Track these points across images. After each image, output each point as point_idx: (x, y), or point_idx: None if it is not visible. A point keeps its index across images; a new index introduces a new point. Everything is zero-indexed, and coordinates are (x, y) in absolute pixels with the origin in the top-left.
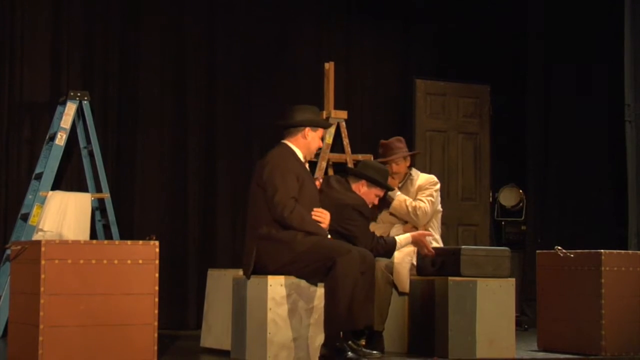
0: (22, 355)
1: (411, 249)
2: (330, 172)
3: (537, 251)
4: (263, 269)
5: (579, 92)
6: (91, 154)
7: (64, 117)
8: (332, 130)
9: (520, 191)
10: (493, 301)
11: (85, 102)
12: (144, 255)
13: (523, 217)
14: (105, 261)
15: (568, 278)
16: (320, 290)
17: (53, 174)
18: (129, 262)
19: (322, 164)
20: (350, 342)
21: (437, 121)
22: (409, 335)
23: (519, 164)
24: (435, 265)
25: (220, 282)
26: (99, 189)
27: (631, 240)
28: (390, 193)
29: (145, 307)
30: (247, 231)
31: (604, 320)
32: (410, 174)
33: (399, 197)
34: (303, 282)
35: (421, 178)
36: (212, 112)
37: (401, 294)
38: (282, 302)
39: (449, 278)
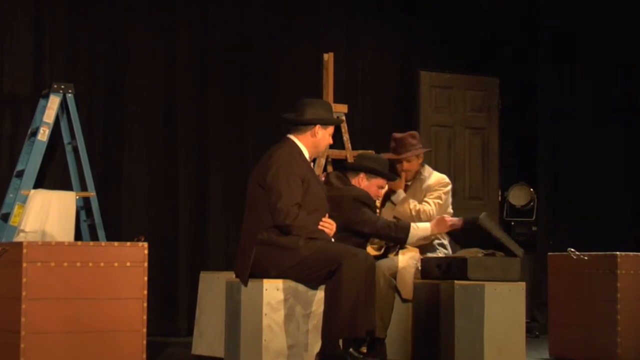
0: None
1: (416, 254)
2: (330, 169)
3: (549, 253)
4: (264, 275)
5: (594, 86)
6: (76, 150)
7: (46, 111)
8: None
9: (531, 190)
10: (502, 306)
11: (70, 95)
12: (132, 258)
13: (534, 217)
14: (90, 264)
15: (581, 282)
16: (319, 295)
17: (35, 171)
18: (116, 264)
19: (321, 161)
20: (351, 350)
21: (443, 115)
22: (413, 343)
23: (529, 161)
24: (440, 268)
25: (213, 286)
26: (84, 188)
27: None
28: (393, 197)
29: (134, 313)
30: (244, 234)
31: (620, 327)
32: (421, 172)
33: (404, 201)
34: (301, 286)
35: (432, 177)
36: (204, 107)
37: (404, 300)
38: (279, 307)
39: (455, 282)
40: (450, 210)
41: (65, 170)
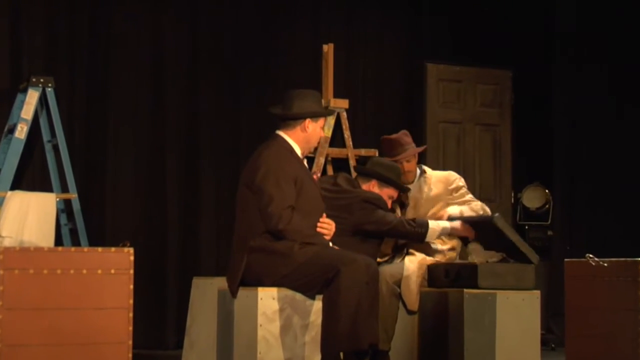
0: None
1: (423, 260)
2: (329, 168)
3: (566, 259)
4: (257, 284)
5: (615, 80)
6: (56, 149)
7: (24, 107)
8: (331, 121)
9: (547, 191)
10: (515, 317)
11: (49, 89)
12: (116, 264)
13: (549, 221)
14: (72, 271)
15: (601, 290)
16: (318, 304)
17: (13, 171)
18: (99, 272)
19: (320, 160)
20: None
21: (451, 111)
22: (419, 356)
23: (544, 160)
24: (449, 276)
25: (206, 292)
26: (65, 189)
27: None
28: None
29: (118, 324)
30: (235, 241)
31: None
32: (424, 171)
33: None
34: (298, 295)
35: (437, 175)
36: (194, 102)
37: (410, 312)
38: (274, 318)
39: (465, 290)
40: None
41: (45, 170)
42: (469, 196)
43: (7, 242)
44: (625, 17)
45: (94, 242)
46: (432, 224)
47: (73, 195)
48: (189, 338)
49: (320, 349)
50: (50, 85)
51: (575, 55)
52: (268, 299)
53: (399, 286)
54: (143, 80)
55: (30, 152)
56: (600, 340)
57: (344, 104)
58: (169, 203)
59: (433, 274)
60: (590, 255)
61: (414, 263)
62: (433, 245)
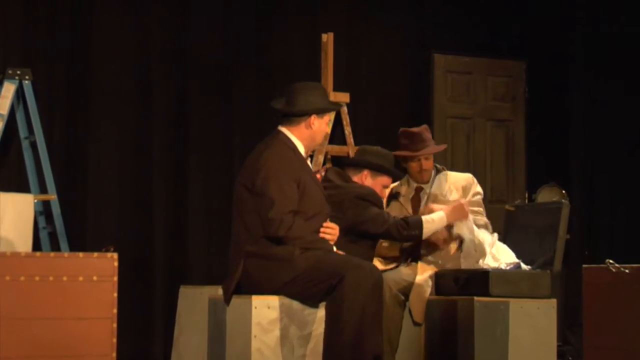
0: None
1: (432, 271)
2: (329, 166)
3: (584, 265)
4: (255, 291)
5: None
6: (34, 146)
7: (0, 101)
8: (331, 116)
9: (563, 192)
10: (529, 327)
11: (27, 82)
12: (99, 271)
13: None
14: (51, 278)
15: (621, 298)
16: (317, 314)
17: None
18: (80, 279)
19: (320, 158)
20: None
21: (461, 105)
22: None
23: (561, 159)
24: (457, 282)
25: (195, 302)
26: (43, 190)
27: None
28: (432, 218)
29: (101, 335)
30: (232, 246)
31: None
32: (443, 168)
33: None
34: (296, 304)
35: (457, 177)
36: (183, 96)
37: (416, 324)
38: (270, 328)
39: (475, 298)
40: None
41: (22, 169)
42: (481, 209)
43: None
44: None
45: (75, 246)
46: (426, 222)
47: (52, 197)
48: (177, 350)
49: None
50: (27, 77)
51: (595, 44)
52: (263, 307)
53: (403, 294)
54: (128, 73)
55: (6, 150)
56: (621, 352)
57: (344, 98)
58: (156, 204)
59: (440, 280)
60: (611, 261)
61: (426, 270)
62: (443, 252)
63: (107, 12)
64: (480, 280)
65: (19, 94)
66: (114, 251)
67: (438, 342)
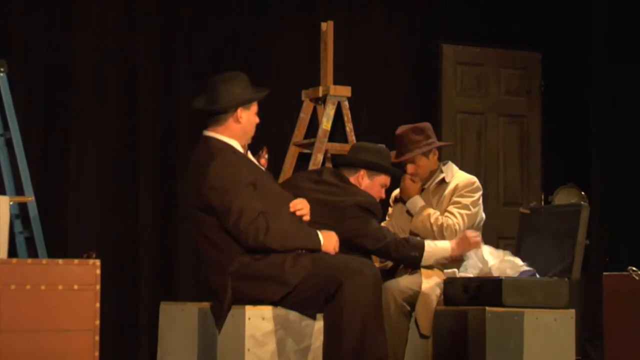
0: None
1: (439, 279)
2: (329, 166)
3: (605, 273)
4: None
5: None
6: (9, 144)
7: None
8: (330, 112)
9: (582, 193)
10: (545, 339)
11: (1, 74)
12: (80, 279)
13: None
14: (28, 286)
15: None
16: (315, 325)
17: None
18: (60, 287)
19: (318, 157)
20: None
21: (471, 100)
22: None
23: (580, 157)
24: (467, 291)
25: (177, 321)
26: (19, 191)
27: None
28: (409, 205)
29: (83, 348)
30: (211, 270)
31: None
32: (441, 171)
33: (422, 212)
34: (292, 315)
35: (457, 179)
36: (171, 89)
37: (423, 336)
38: (265, 341)
39: (487, 309)
40: (483, 215)
41: None
42: (462, 210)
43: None
44: None
45: (54, 252)
46: (429, 248)
47: (29, 198)
48: None
49: None
50: (2, 69)
51: (617, 33)
52: (257, 319)
53: (409, 304)
54: (111, 63)
55: None
56: None
57: (345, 91)
58: (141, 207)
59: (449, 289)
60: (634, 268)
61: (432, 278)
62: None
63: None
64: (492, 289)
65: None
66: (96, 257)
67: (447, 356)
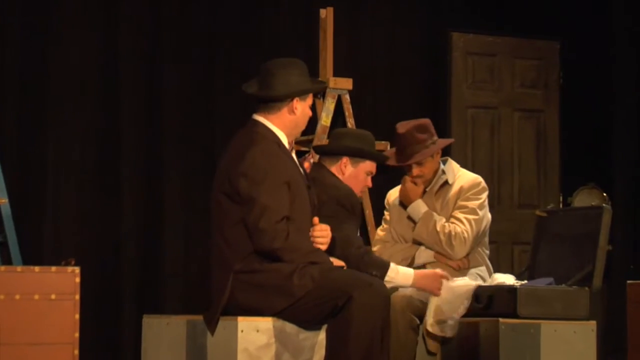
0: None
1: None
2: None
3: (628, 281)
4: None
5: None
6: None
7: None
8: (330, 106)
9: (604, 195)
10: (564, 353)
11: None
12: (58, 288)
13: None
14: (2, 296)
15: None
16: (315, 338)
17: None
18: (36, 297)
19: (317, 157)
20: None
21: (483, 93)
22: None
23: (601, 156)
24: (480, 301)
25: (162, 335)
26: None
27: None
28: (410, 211)
29: None
30: (214, 264)
31: None
32: (443, 171)
33: (427, 219)
34: (289, 327)
35: (461, 179)
36: (156, 79)
37: (430, 353)
38: (260, 355)
39: (501, 320)
40: (489, 216)
41: None
42: (470, 216)
43: None
44: None
45: (29, 259)
46: (392, 272)
47: (3, 200)
48: None
49: None
50: None
51: None
52: (251, 331)
53: (418, 316)
54: (91, 52)
55: None
56: None
57: (346, 84)
58: (125, 209)
59: None
60: None
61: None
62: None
63: None
64: (506, 299)
65: None
66: (75, 265)
67: None
